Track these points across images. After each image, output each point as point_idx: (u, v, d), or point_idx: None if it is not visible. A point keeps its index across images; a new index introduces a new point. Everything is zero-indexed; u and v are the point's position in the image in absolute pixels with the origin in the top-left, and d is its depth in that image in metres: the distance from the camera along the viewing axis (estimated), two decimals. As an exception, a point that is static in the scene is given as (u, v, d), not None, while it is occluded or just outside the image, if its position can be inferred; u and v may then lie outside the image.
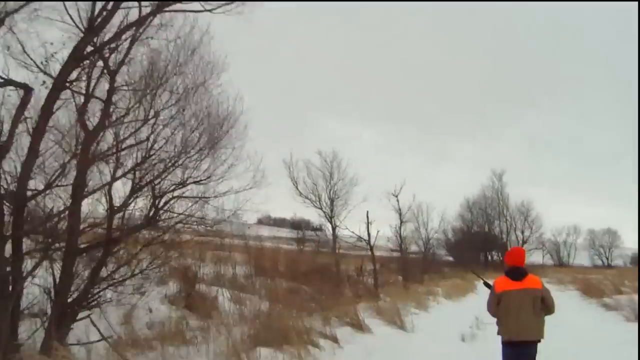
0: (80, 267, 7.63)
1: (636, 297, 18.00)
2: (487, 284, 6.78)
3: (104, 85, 7.46)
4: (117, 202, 7.86)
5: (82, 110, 7.17)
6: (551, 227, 66.64)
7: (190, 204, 8.38)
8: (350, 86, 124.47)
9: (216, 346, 7.81)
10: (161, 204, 8.10)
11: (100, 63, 7.37)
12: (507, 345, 6.21)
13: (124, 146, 7.76)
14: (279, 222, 63.04)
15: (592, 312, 17.38)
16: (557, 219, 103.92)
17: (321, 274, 16.18)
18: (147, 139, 7.84)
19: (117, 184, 7.92)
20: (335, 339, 9.57)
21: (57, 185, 7.24)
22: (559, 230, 67.90)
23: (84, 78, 7.24)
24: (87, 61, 7.20)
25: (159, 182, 8.03)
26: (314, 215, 28.93)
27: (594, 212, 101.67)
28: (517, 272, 6.21)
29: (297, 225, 42.02)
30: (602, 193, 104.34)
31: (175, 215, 8.25)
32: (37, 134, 6.50)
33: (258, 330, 8.64)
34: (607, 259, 68.94)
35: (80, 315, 7.42)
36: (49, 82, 6.81)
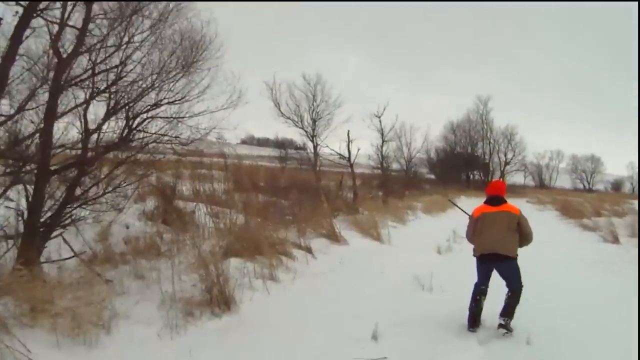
0: (53, 188, 7.52)
1: (615, 219, 18.31)
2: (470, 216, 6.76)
3: (80, 13, 7.06)
4: (91, 125, 7.71)
5: (56, 38, 6.81)
6: (534, 151, 67.41)
7: (164, 124, 8.29)
8: (337, 13, 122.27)
9: (187, 258, 7.74)
10: (135, 124, 7.98)
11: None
12: (479, 259, 6.25)
13: (98, 71, 7.49)
14: (263, 142, 62.89)
15: (569, 232, 17.58)
16: (541, 144, 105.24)
17: (300, 189, 16.07)
18: (121, 63, 7.60)
19: (92, 108, 7.77)
20: (309, 250, 9.59)
21: (28, 109, 6.98)
22: (542, 154, 68.66)
23: (58, 6, 6.82)
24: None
25: (133, 105, 7.88)
26: (296, 135, 28.67)
27: (578, 139, 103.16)
28: (496, 199, 6.30)
29: (280, 144, 41.76)
30: (588, 121, 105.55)
31: (149, 134, 8.15)
32: (7, 61, 6.16)
33: (231, 242, 8.57)
34: (589, 183, 69.87)
35: (54, 234, 7.34)
36: (22, 12, 6.40)
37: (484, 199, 6.50)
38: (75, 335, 4.82)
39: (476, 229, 6.28)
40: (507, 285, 6.04)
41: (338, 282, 8.18)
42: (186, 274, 6.88)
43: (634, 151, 74.10)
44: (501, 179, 56.86)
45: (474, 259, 6.34)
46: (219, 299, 6.06)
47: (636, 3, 49.68)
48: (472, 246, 6.41)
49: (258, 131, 65.89)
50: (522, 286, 6.01)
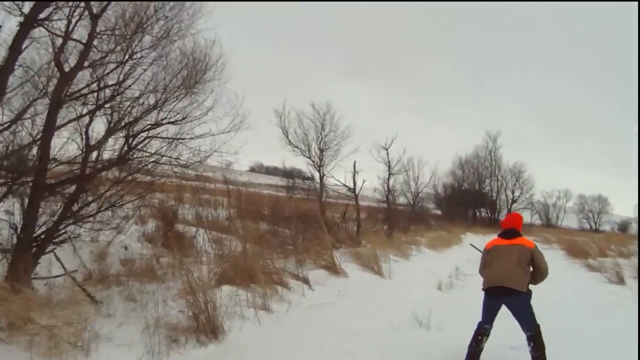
0: (50, 203, 7.52)
1: (621, 260, 18.01)
2: None
3: (86, 27, 7.14)
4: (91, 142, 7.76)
5: (59, 51, 6.85)
6: (542, 189, 67.37)
7: (164, 144, 8.21)
8: (348, 45, 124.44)
9: (178, 283, 7.59)
10: (134, 143, 7.92)
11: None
12: (486, 293, 5.97)
13: (102, 86, 7.56)
14: (271, 171, 63.07)
15: (574, 272, 17.29)
16: (549, 183, 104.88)
17: (304, 219, 15.93)
18: (123, 79, 7.65)
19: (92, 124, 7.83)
20: (306, 281, 9.40)
21: (25, 118, 7.07)
22: (549, 193, 68.52)
23: (60, 18, 6.86)
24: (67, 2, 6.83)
25: (134, 123, 7.87)
26: (303, 164, 28.65)
27: (586, 179, 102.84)
28: (510, 232, 6.07)
29: (289, 174, 41.79)
30: (596, 162, 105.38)
31: (149, 154, 8.05)
32: (5, 71, 6.20)
33: (226, 269, 8.42)
34: (596, 223, 69.44)
35: (48, 250, 7.29)
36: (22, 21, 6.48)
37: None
38: (51, 355, 4.68)
39: (486, 261, 6.07)
40: (522, 327, 5.71)
41: (333, 315, 7.96)
42: (176, 300, 6.74)
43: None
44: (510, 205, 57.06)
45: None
46: (205, 327, 5.88)
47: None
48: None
49: (267, 159, 66.11)
50: (538, 325, 5.66)
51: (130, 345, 5.35)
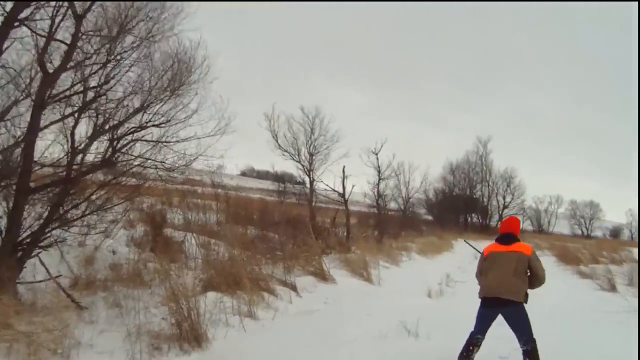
0: (36, 206, 7.46)
1: (612, 267, 18.00)
2: None
3: (69, 28, 7.10)
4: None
5: (42, 52, 6.79)
6: (533, 195, 67.59)
7: (149, 147, 8.17)
8: (341, 50, 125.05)
9: (162, 289, 7.47)
10: (119, 145, 7.87)
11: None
12: (482, 303, 5.89)
13: (82, 89, 7.51)
14: (262, 175, 63.05)
15: (566, 279, 17.22)
16: (541, 189, 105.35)
17: (294, 224, 15.84)
18: (106, 81, 7.62)
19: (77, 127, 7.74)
20: (294, 287, 9.29)
21: (7, 119, 6.97)
22: (541, 198, 68.78)
23: (43, 17, 6.84)
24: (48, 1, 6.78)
25: (119, 126, 7.83)
26: (294, 169, 28.62)
27: (578, 185, 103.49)
28: (507, 237, 5.98)
29: (280, 178, 41.72)
30: (588, 167, 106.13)
31: (133, 157, 8.02)
32: None
33: (212, 275, 8.31)
34: (587, 229, 69.74)
35: (33, 254, 7.22)
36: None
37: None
38: (30, 362, 4.58)
39: (483, 268, 5.99)
40: (518, 339, 5.62)
41: (320, 323, 7.85)
42: (159, 307, 6.64)
43: (634, 198, 74.33)
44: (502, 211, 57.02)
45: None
46: (188, 335, 5.78)
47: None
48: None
49: (258, 163, 66.13)
50: (534, 340, 5.56)
51: (112, 353, 5.26)
